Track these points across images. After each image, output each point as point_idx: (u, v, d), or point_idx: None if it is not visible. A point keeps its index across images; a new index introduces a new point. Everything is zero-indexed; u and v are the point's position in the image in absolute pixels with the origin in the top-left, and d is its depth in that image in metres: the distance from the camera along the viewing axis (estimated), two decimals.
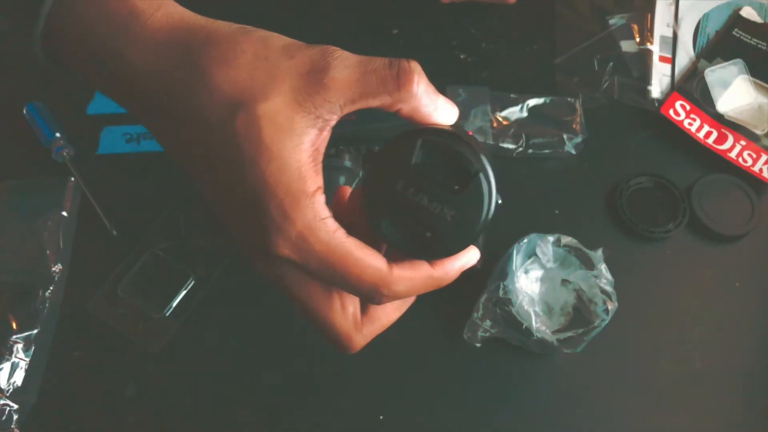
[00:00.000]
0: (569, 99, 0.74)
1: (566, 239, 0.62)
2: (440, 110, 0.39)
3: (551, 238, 0.62)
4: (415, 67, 0.38)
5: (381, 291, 0.38)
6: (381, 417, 0.61)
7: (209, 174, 0.38)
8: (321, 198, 0.37)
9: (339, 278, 0.37)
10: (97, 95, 0.75)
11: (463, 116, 0.73)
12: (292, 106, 0.36)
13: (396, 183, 0.37)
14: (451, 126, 0.40)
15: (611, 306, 0.59)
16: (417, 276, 0.39)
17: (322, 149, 0.38)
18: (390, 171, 0.37)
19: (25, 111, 0.73)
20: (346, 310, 0.41)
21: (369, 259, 0.37)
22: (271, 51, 0.37)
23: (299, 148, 0.36)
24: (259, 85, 0.36)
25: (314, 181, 0.36)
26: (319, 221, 0.36)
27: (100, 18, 0.38)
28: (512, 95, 0.75)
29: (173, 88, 0.37)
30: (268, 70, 0.36)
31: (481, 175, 0.37)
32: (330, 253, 0.36)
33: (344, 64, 0.37)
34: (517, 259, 0.61)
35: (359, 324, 0.42)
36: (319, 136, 0.37)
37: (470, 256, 0.40)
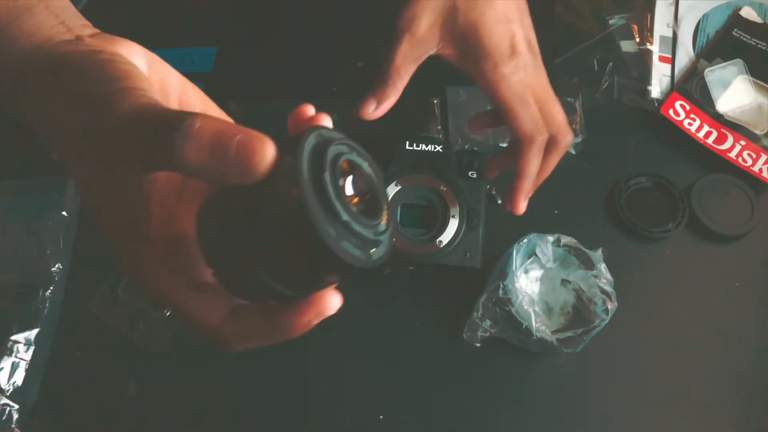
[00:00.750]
0: (569, 99, 0.74)
1: (566, 239, 0.62)
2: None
3: (551, 238, 0.62)
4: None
5: (217, 344, 0.37)
6: (381, 417, 0.61)
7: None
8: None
9: (180, 317, 0.36)
10: None
11: (463, 116, 0.73)
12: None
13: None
14: None
15: (611, 306, 0.59)
16: (258, 330, 0.37)
17: None
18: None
19: None
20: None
21: (201, 314, 0.36)
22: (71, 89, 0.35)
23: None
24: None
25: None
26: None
27: None
28: None
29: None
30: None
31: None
32: (164, 296, 0.35)
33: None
34: (516, 259, 0.61)
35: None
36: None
37: (324, 304, 0.36)
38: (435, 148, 0.59)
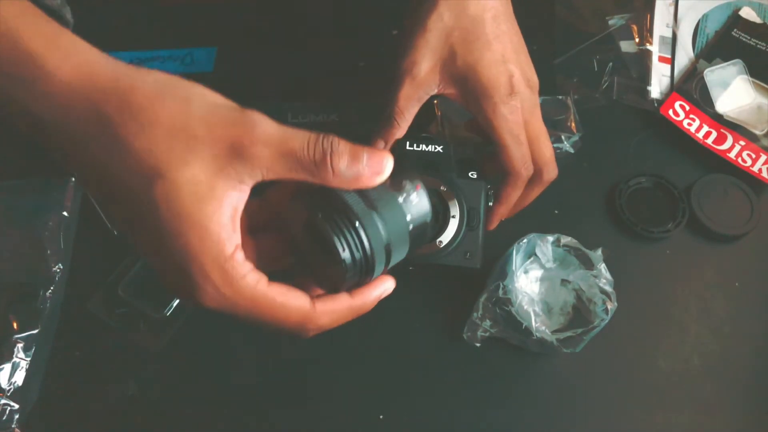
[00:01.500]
0: (560, 97, 0.74)
1: (566, 239, 0.62)
2: (361, 179, 0.40)
3: (551, 238, 0.62)
4: (335, 146, 0.39)
5: (307, 327, 0.42)
6: (381, 416, 0.61)
7: (134, 233, 0.38)
8: (240, 256, 0.38)
9: (266, 324, 0.40)
10: None
11: (464, 117, 0.73)
12: (213, 171, 0.37)
13: (297, 228, 0.42)
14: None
15: (611, 306, 0.59)
16: (338, 308, 0.42)
17: (242, 206, 0.39)
18: (294, 215, 0.42)
19: None
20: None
21: (293, 302, 0.41)
22: (191, 119, 0.37)
23: (219, 212, 0.37)
24: (177, 154, 0.36)
25: (232, 241, 0.38)
26: (240, 280, 0.38)
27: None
28: None
29: (91, 151, 0.36)
30: (186, 140, 0.36)
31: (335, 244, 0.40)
32: (255, 305, 0.39)
33: (265, 142, 0.37)
34: (516, 259, 0.61)
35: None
36: (239, 197, 0.38)
37: (385, 285, 0.45)
38: (435, 148, 0.59)
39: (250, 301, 0.39)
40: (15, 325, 0.63)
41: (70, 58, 0.37)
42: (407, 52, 0.59)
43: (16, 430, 0.60)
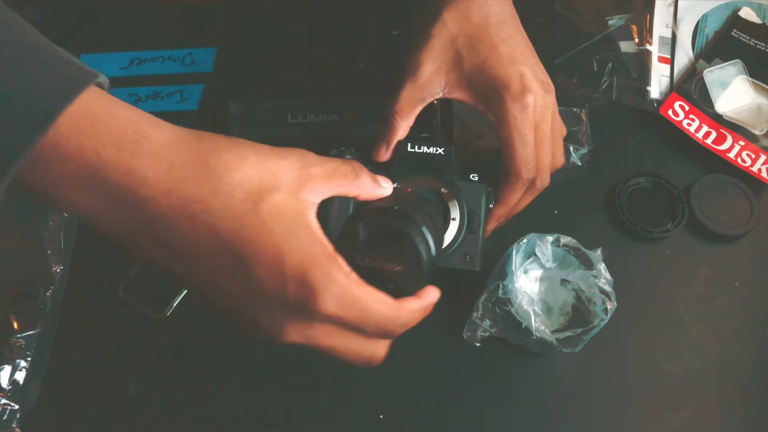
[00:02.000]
0: (575, 109, 0.74)
1: (565, 239, 0.62)
2: (379, 190, 0.49)
3: (550, 238, 0.62)
4: (359, 165, 0.47)
5: (396, 323, 0.44)
6: (381, 416, 0.61)
7: (228, 271, 0.40)
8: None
9: (369, 320, 0.42)
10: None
11: (478, 118, 0.73)
12: (294, 195, 0.42)
13: (354, 258, 0.45)
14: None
15: (610, 306, 0.59)
16: (414, 306, 0.45)
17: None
18: (347, 250, 0.45)
19: None
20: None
21: (381, 295, 0.43)
22: (265, 153, 0.42)
23: (312, 223, 0.42)
24: (268, 181, 0.41)
25: (330, 245, 0.42)
26: (348, 274, 0.41)
27: (106, 139, 0.38)
28: None
29: (190, 193, 0.39)
30: (271, 169, 0.42)
31: (411, 234, 0.46)
32: (361, 301, 0.41)
33: (317, 165, 0.44)
34: (516, 259, 0.61)
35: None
36: (314, 213, 0.43)
37: (431, 295, 0.47)
38: (437, 150, 0.59)
39: (361, 295, 0.41)
40: (15, 325, 0.63)
41: (166, 129, 0.41)
42: (411, 56, 0.59)
43: (17, 430, 0.60)
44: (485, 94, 0.58)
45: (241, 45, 0.82)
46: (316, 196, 0.43)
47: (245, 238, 0.40)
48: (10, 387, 0.61)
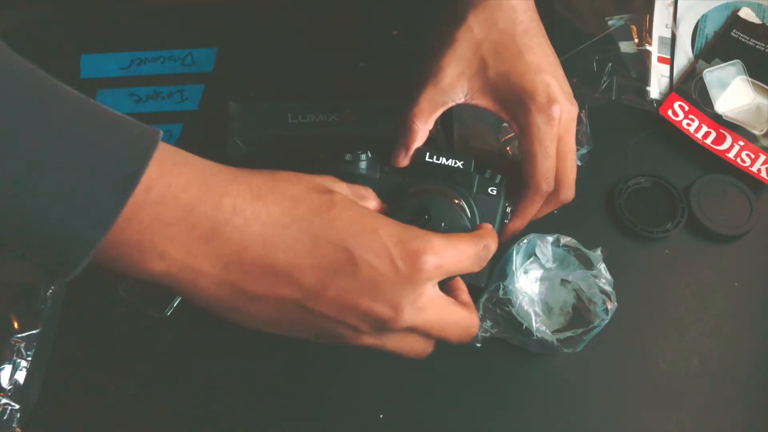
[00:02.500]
0: None
1: (565, 239, 0.62)
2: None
3: (550, 239, 0.62)
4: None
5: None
6: (381, 416, 0.61)
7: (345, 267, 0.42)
8: None
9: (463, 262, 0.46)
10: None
11: (470, 124, 0.73)
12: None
13: None
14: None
15: (611, 306, 0.59)
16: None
17: None
18: None
19: None
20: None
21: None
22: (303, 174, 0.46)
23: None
24: (322, 183, 0.46)
25: None
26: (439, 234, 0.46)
27: (191, 176, 0.40)
28: None
29: (277, 209, 0.42)
30: (320, 177, 0.47)
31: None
32: (454, 250, 0.46)
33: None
34: (516, 259, 0.61)
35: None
36: None
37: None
38: (456, 163, 0.58)
39: (451, 244, 0.45)
40: (15, 324, 0.63)
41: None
42: (434, 59, 0.58)
43: (17, 430, 0.60)
44: (509, 103, 0.57)
45: (241, 45, 0.82)
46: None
47: (339, 227, 0.42)
48: (10, 387, 0.61)
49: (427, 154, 0.57)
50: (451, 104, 0.58)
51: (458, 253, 0.45)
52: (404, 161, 0.58)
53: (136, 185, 0.36)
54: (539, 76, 0.56)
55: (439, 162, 0.57)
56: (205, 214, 0.39)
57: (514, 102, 0.56)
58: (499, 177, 0.59)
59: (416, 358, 0.49)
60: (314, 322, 0.44)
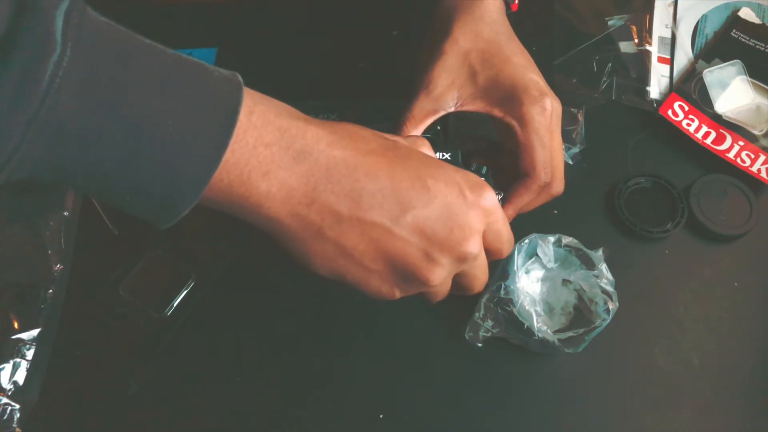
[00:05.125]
0: (572, 109, 0.74)
1: (567, 239, 0.62)
2: None
3: (552, 239, 0.62)
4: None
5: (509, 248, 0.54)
6: (381, 416, 0.61)
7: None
8: None
9: (508, 230, 0.52)
10: None
11: (464, 117, 0.73)
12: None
13: None
14: None
15: (612, 306, 0.59)
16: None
17: None
18: None
19: None
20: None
21: None
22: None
23: None
24: (385, 136, 0.51)
25: None
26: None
27: (283, 110, 0.46)
28: None
29: (354, 139, 0.46)
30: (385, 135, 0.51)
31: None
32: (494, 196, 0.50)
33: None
34: (518, 259, 0.61)
35: None
36: None
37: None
38: (443, 155, 0.59)
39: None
40: (15, 324, 0.63)
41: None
42: (424, 71, 0.61)
43: (17, 429, 0.60)
44: (502, 100, 0.59)
45: (241, 45, 0.82)
46: None
47: (410, 160, 0.47)
48: (10, 387, 0.61)
49: None
50: (442, 113, 0.60)
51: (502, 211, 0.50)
52: None
53: (239, 113, 0.41)
54: (528, 74, 0.59)
55: None
56: (295, 137, 0.44)
57: (506, 99, 0.59)
58: (484, 168, 0.60)
59: (472, 290, 0.53)
60: (392, 249, 0.46)
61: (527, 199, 0.60)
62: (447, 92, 0.60)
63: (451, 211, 0.47)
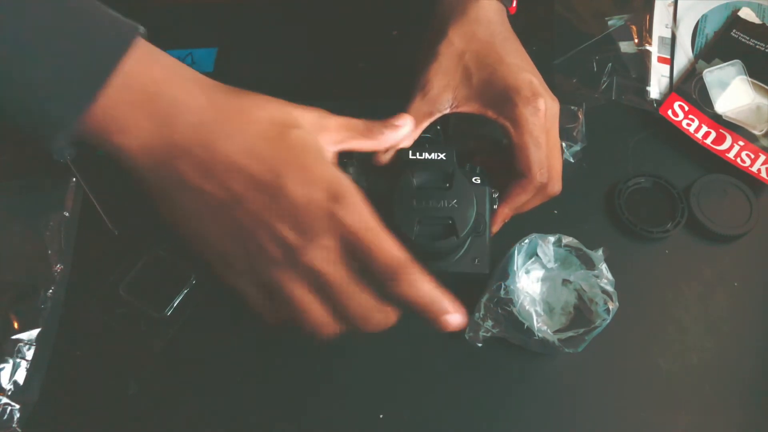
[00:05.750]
0: (572, 107, 0.74)
1: (567, 239, 0.62)
2: (395, 133, 0.56)
3: (552, 239, 0.62)
4: (372, 122, 0.54)
5: (404, 271, 0.46)
6: (381, 416, 0.61)
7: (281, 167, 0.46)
8: None
9: (380, 248, 0.46)
10: None
11: (463, 116, 0.73)
12: (313, 135, 0.49)
13: (411, 203, 0.55)
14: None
15: (612, 306, 0.59)
16: (424, 282, 0.47)
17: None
18: (403, 199, 0.55)
19: None
20: None
21: (396, 243, 0.47)
22: (286, 102, 0.50)
23: (332, 160, 0.51)
24: (291, 119, 0.49)
25: None
26: (368, 204, 0.47)
27: (160, 72, 0.46)
28: None
29: (233, 121, 0.47)
30: (292, 113, 0.49)
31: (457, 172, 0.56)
32: (377, 228, 0.46)
33: (332, 118, 0.52)
34: (518, 259, 0.61)
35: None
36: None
37: (441, 301, 0.48)
38: (438, 155, 0.59)
39: (376, 224, 0.46)
40: (16, 324, 0.63)
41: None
42: (421, 71, 0.61)
43: (17, 429, 0.60)
44: (496, 102, 0.59)
45: (241, 45, 0.82)
46: (331, 143, 0.51)
47: (277, 158, 0.46)
48: (10, 386, 0.61)
49: (410, 152, 0.58)
50: (437, 115, 0.60)
51: (375, 238, 0.46)
52: (383, 158, 0.59)
53: (111, 72, 0.43)
54: (521, 74, 0.59)
55: (422, 157, 0.59)
56: (163, 105, 0.45)
57: (500, 100, 0.59)
58: (478, 168, 0.60)
59: (317, 325, 0.50)
60: (234, 231, 0.46)
61: (524, 199, 0.60)
62: (442, 94, 0.60)
63: (293, 212, 0.45)
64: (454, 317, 0.49)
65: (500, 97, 0.58)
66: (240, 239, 0.46)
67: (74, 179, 0.70)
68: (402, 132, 0.56)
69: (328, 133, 0.51)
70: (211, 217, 0.47)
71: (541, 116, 0.58)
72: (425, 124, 0.60)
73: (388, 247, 0.46)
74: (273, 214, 0.45)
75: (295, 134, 0.48)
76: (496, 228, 0.61)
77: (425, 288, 0.47)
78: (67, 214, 0.68)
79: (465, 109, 0.60)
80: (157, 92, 0.45)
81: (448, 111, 0.60)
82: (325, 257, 0.46)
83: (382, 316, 0.49)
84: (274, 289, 0.48)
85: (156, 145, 0.45)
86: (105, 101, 0.43)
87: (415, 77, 0.61)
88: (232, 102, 0.48)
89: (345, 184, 0.46)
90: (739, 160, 0.72)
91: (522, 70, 0.59)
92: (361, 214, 0.46)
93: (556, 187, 0.61)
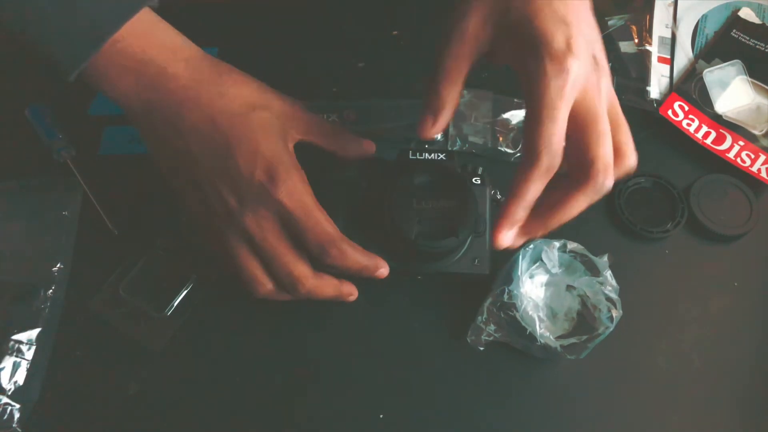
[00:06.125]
0: None
1: (572, 245, 0.62)
2: (357, 147, 0.61)
3: (557, 244, 0.62)
4: (341, 127, 0.63)
5: (335, 247, 0.54)
6: (381, 416, 0.61)
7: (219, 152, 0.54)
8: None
9: (312, 226, 0.54)
10: (99, 95, 0.76)
11: (464, 119, 0.73)
12: (279, 119, 0.56)
13: (411, 203, 0.57)
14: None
15: (615, 314, 0.59)
16: (357, 253, 0.56)
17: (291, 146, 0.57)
18: (404, 199, 0.57)
19: (27, 112, 0.73)
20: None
21: (330, 221, 0.55)
22: (266, 87, 0.58)
23: (288, 144, 0.56)
24: (262, 102, 0.56)
25: (296, 163, 0.55)
26: (306, 185, 0.54)
27: (152, 42, 0.54)
28: (516, 100, 0.75)
29: (205, 92, 0.54)
30: (266, 96, 0.57)
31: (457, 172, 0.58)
32: (310, 206, 0.54)
33: (304, 111, 0.59)
34: (522, 264, 0.61)
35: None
36: (292, 145, 0.57)
37: (378, 263, 0.58)
38: (439, 156, 0.59)
39: (311, 202, 0.54)
40: (16, 324, 0.63)
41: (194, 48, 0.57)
42: (455, 10, 0.51)
43: (17, 429, 0.60)
44: (523, 48, 0.48)
45: (241, 45, 0.81)
46: (296, 131, 0.57)
47: (234, 132, 0.53)
48: (10, 386, 0.61)
49: (410, 153, 0.59)
50: (477, 57, 0.51)
51: (306, 216, 0.54)
52: (432, 130, 0.53)
53: (109, 36, 0.51)
54: (563, 25, 0.47)
55: (422, 158, 0.59)
56: (150, 72, 0.53)
57: (527, 47, 0.47)
58: (480, 168, 0.60)
59: (293, 282, 0.57)
60: (193, 187, 0.55)
61: (533, 189, 0.49)
62: (481, 30, 0.50)
63: (234, 178, 0.53)
64: (384, 270, 0.58)
65: (528, 43, 0.47)
66: (198, 195, 0.55)
67: (74, 179, 0.70)
68: (363, 150, 0.61)
69: (296, 122, 0.57)
70: (178, 172, 0.56)
71: (566, 79, 0.46)
72: (466, 71, 0.52)
73: (318, 224, 0.54)
74: (220, 179, 0.54)
75: (259, 114, 0.55)
76: (498, 230, 0.51)
77: (355, 257, 0.55)
78: (66, 214, 0.68)
79: (500, 52, 0.51)
80: (146, 60, 0.53)
81: (487, 50, 0.51)
82: (259, 224, 0.54)
83: (315, 281, 0.57)
84: (221, 242, 0.56)
85: (138, 102, 0.54)
86: (101, 60, 0.51)
87: (447, 19, 0.52)
88: (213, 78, 0.55)
89: (285, 164, 0.53)
90: (739, 160, 0.72)
91: (565, 22, 0.47)
92: (293, 194, 0.53)
93: (606, 180, 0.50)
